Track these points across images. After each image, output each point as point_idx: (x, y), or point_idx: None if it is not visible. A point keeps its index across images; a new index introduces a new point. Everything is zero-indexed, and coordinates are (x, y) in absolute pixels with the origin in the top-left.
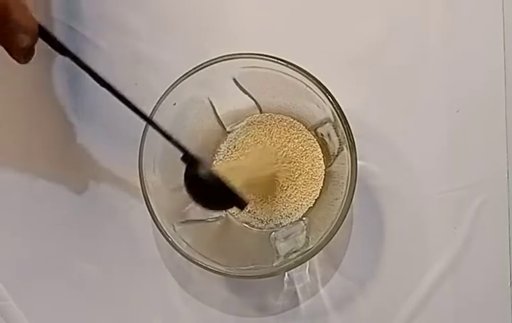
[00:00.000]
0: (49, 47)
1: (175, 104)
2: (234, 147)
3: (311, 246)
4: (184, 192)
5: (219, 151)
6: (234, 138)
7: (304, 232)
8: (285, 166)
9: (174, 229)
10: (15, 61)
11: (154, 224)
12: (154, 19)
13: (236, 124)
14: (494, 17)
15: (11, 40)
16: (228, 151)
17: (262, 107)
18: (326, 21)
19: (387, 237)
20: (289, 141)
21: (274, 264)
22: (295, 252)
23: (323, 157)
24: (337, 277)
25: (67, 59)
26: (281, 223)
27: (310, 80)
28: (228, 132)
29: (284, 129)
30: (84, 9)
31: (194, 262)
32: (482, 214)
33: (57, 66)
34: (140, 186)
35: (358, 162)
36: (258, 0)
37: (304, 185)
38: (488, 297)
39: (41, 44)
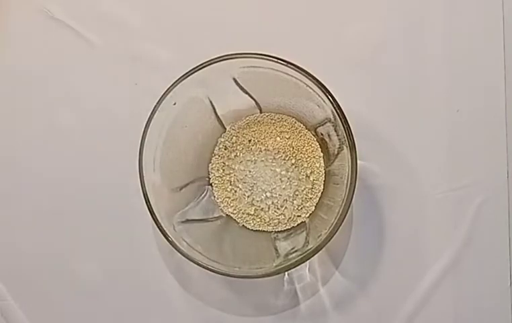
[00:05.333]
0: (48, 46)
1: (175, 104)
2: (233, 146)
3: (311, 246)
4: (184, 191)
5: (218, 151)
6: (234, 138)
7: (304, 232)
8: (285, 166)
9: (174, 229)
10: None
11: (154, 224)
12: (154, 19)
13: (236, 124)
14: (494, 17)
15: None
16: (227, 151)
17: (262, 107)
18: (326, 21)
19: (387, 237)
20: (289, 141)
21: (274, 264)
22: (295, 251)
23: (323, 156)
24: (337, 277)
25: (66, 60)
26: (280, 223)
27: (310, 80)
28: (228, 132)
29: (284, 129)
30: (83, 8)
31: (194, 262)
32: (482, 214)
33: (57, 67)
34: (140, 186)
35: (358, 162)
36: (258, 0)
37: (304, 185)
38: (488, 297)
39: (41, 45)
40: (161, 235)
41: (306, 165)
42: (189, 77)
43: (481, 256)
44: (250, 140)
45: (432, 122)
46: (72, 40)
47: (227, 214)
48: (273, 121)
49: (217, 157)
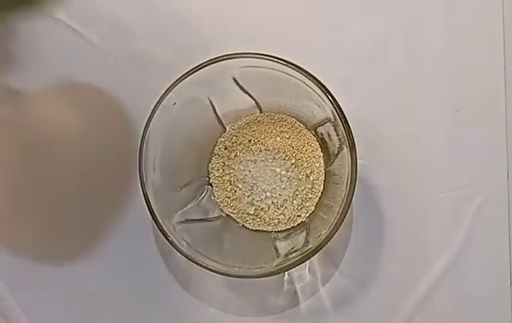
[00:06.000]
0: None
1: (174, 104)
2: (233, 146)
3: (311, 246)
4: (184, 192)
5: (218, 151)
6: (234, 138)
7: (304, 232)
8: (285, 166)
9: (174, 229)
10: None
11: (154, 224)
12: (154, 19)
13: (236, 124)
14: (494, 17)
15: None
16: (227, 151)
17: (262, 107)
18: (326, 21)
19: (387, 237)
20: (289, 141)
21: (274, 264)
22: (295, 251)
23: (323, 156)
24: (337, 277)
25: (65, 63)
26: (280, 223)
27: (310, 80)
28: (228, 132)
29: (284, 129)
30: (83, 8)
31: (194, 262)
32: (482, 214)
33: (56, 67)
34: (140, 186)
35: (358, 162)
36: (258, 0)
37: (304, 185)
38: (488, 297)
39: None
40: (161, 235)
41: (306, 165)
42: (189, 77)
43: (481, 256)
44: (250, 140)
45: (432, 122)
46: (72, 40)
47: (227, 214)
48: (273, 121)
49: (217, 157)
